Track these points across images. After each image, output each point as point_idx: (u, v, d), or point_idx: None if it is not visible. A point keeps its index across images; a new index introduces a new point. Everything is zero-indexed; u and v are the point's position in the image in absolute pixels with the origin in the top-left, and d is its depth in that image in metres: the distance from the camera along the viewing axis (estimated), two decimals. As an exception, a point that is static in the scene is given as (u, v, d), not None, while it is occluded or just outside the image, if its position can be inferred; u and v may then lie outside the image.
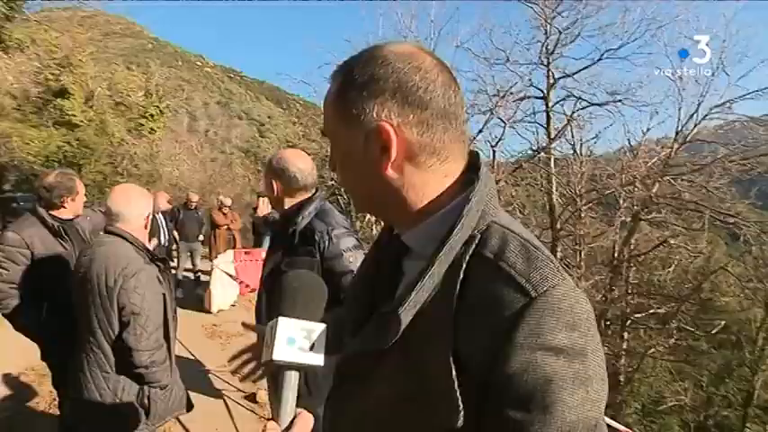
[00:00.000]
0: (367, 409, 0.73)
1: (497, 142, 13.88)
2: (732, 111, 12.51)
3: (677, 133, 12.94)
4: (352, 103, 0.73)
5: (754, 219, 12.65)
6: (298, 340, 0.67)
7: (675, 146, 12.90)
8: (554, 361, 0.61)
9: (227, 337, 5.96)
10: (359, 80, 0.72)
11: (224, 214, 8.70)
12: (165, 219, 7.21)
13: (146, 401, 2.03)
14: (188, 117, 33.13)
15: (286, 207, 2.03)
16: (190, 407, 2.28)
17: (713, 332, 15.95)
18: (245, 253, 9.13)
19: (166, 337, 2.09)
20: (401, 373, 0.68)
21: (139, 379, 2.00)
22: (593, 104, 13.53)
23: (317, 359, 0.67)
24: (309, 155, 2.13)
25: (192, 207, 8.14)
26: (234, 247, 8.69)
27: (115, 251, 2.01)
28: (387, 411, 0.70)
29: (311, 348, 0.67)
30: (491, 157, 13.97)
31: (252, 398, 4.33)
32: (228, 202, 9.04)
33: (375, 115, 0.71)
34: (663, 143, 13.78)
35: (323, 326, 0.69)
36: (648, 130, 13.80)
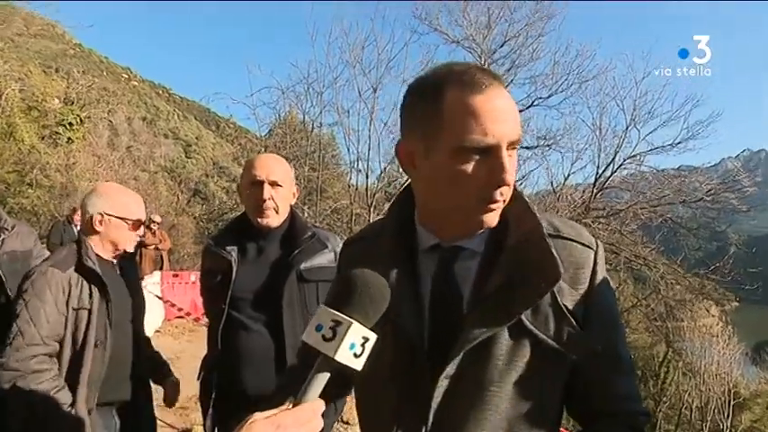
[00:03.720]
0: (492, 384, 0.82)
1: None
2: (642, 162, 13.90)
3: (596, 180, 14.09)
4: None
5: (660, 262, 13.95)
6: (324, 328, 0.68)
7: (595, 191, 14.03)
8: (609, 291, 0.89)
9: (153, 366, 5.39)
10: None
11: (152, 233, 8.06)
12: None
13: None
14: (109, 131, 30.92)
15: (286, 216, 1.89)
16: None
17: (623, 367, 17.06)
18: (174, 275, 8.52)
19: (77, 365, 1.68)
20: (523, 340, 0.82)
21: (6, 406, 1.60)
22: (523, 147, 14.39)
23: (330, 350, 0.66)
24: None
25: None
26: (161, 269, 8.05)
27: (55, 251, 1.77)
28: (515, 378, 0.82)
29: (331, 339, 0.67)
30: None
31: (186, 433, 3.90)
32: (158, 219, 8.42)
33: None
34: (583, 188, 14.93)
35: (353, 323, 0.67)
36: (570, 175, 14.83)
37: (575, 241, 0.87)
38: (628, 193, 14.27)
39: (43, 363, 1.61)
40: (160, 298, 6.91)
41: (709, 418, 17.04)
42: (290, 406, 0.67)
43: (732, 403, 17.48)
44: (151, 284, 7.06)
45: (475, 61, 14.04)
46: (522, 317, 0.81)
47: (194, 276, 9.13)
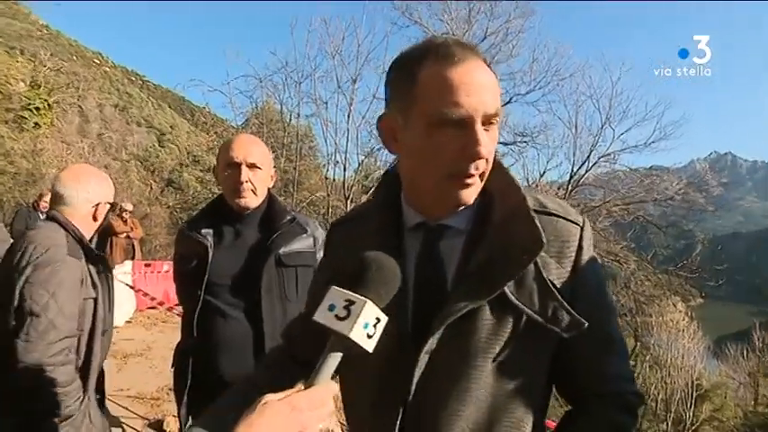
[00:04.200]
0: (476, 358, 0.81)
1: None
2: (616, 161, 14.21)
3: (571, 177, 14.35)
4: None
5: (631, 258, 14.33)
6: (337, 308, 0.68)
7: (569, 188, 14.27)
8: (597, 269, 0.88)
9: (124, 357, 5.26)
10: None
11: (124, 221, 7.83)
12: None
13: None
14: (79, 117, 29.83)
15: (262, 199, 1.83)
16: None
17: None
18: (146, 265, 8.31)
19: (89, 354, 1.68)
20: (507, 314, 0.80)
21: (29, 400, 1.55)
22: (500, 143, 14.52)
23: (345, 328, 0.66)
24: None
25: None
26: (133, 258, 7.83)
27: (42, 236, 1.64)
28: (499, 352, 0.80)
29: (345, 318, 0.67)
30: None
31: (157, 425, 3.82)
32: (130, 207, 8.17)
33: None
34: (557, 184, 15.18)
35: (367, 302, 0.67)
36: (545, 171, 15.04)
37: (561, 217, 0.86)
38: (601, 190, 14.56)
39: (68, 354, 1.58)
40: (131, 287, 6.71)
41: (673, 409, 17.66)
42: (303, 388, 0.66)
43: (695, 395, 18.16)
44: (122, 274, 6.86)
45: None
46: (506, 290, 0.79)
47: (167, 266, 8.92)
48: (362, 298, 0.67)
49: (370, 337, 0.67)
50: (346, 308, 0.67)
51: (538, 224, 0.80)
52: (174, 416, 3.91)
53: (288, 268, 1.75)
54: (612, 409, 0.86)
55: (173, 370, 1.87)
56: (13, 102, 16.69)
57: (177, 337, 1.91)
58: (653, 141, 13.43)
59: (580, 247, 0.85)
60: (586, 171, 14.13)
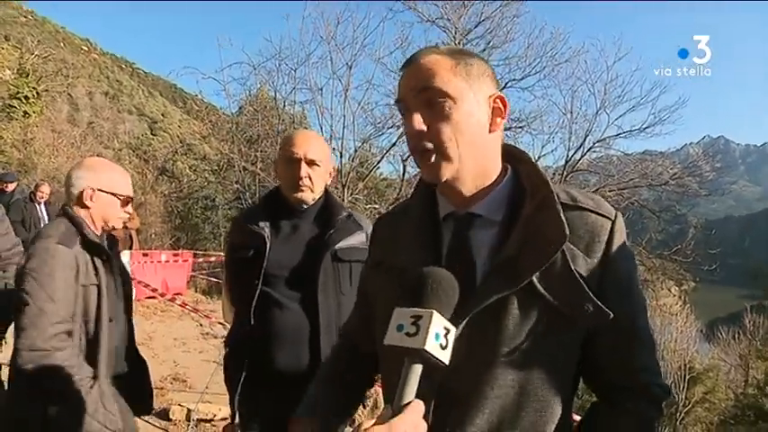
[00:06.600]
0: (503, 346, 0.83)
1: (408, 157, 14.22)
2: (611, 146, 14.23)
3: (566, 162, 14.34)
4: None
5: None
6: (405, 326, 0.69)
7: (565, 173, 14.28)
8: (628, 261, 0.89)
9: (125, 347, 5.24)
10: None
11: (120, 210, 7.75)
12: (46, 210, 6.52)
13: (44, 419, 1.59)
14: (69, 105, 29.44)
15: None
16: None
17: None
18: (143, 254, 8.29)
19: (95, 341, 1.71)
20: (534, 304, 0.83)
21: (36, 387, 1.59)
22: (496, 130, 14.41)
23: (418, 342, 0.67)
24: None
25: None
26: (130, 248, 7.78)
27: (47, 226, 1.71)
28: (526, 341, 0.83)
29: (415, 333, 0.68)
30: (401, 171, 14.29)
31: (163, 415, 3.83)
32: (126, 197, 8.09)
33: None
34: (552, 170, 15.18)
35: (433, 312, 0.68)
36: (540, 157, 15.00)
37: (592, 211, 0.88)
38: (596, 175, 14.59)
39: (64, 340, 1.62)
40: (131, 278, 6.69)
41: (666, 392, 17.97)
42: (391, 406, 0.67)
43: (687, 377, 18.48)
44: (120, 264, 6.84)
45: (449, 41, 13.89)
46: (534, 280, 0.82)
47: (165, 255, 8.92)
48: (428, 310, 0.68)
49: (443, 348, 0.68)
50: (414, 323, 0.68)
51: (562, 217, 0.83)
52: (179, 405, 3.92)
53: (343, 263, 1.80)
54: (637, 401, 0.89)
55: (224, 359, 1.91)
56: (1, 91, 16.40)
57: (178, 326, 1.94)
58: (647, 126, 13.43)
59: (610, 241, 0.87)
60: (581, 156, 14.13)
